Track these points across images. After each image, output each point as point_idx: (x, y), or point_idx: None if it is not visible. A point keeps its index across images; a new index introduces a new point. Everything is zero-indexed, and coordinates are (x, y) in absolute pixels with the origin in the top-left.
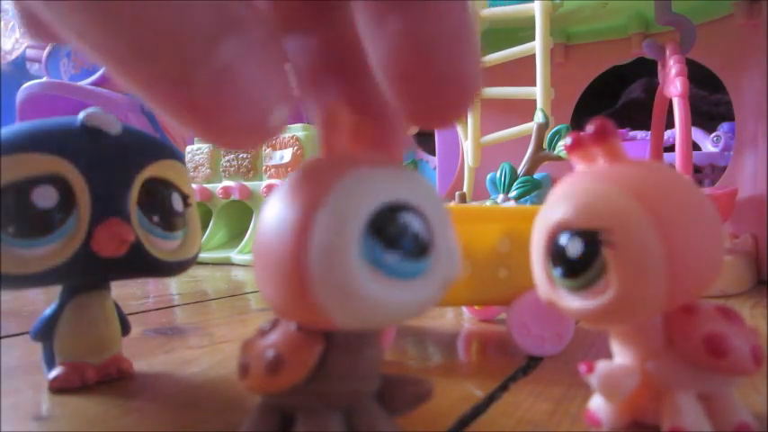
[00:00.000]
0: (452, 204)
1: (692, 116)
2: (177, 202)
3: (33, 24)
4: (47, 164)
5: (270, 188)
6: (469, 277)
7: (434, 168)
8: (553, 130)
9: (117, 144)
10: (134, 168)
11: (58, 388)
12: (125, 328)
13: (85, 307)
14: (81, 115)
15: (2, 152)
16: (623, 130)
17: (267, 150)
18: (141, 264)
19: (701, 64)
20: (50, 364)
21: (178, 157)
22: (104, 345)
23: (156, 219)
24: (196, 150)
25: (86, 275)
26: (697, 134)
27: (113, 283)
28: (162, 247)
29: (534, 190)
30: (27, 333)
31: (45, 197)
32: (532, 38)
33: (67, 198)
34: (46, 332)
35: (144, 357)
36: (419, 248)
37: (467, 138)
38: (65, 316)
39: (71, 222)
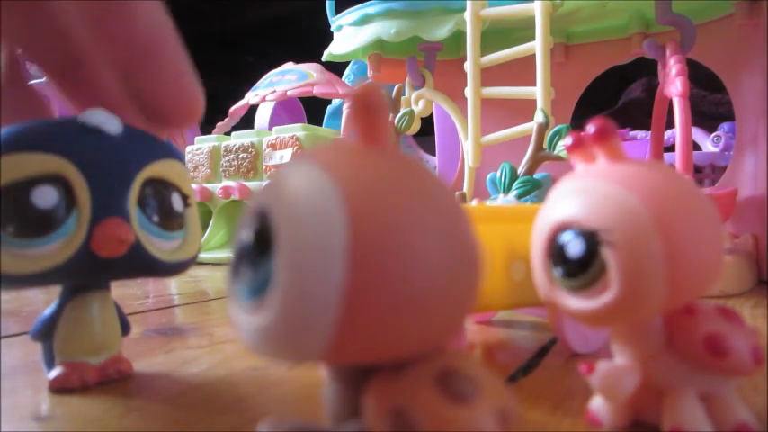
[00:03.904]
0: (509, 204)
1: (693, 116)
2: (177, 203)
3: None
4: (47, 163)
5: None
6: (524, 279)
7: (434, 168)
8: (553, 130)
9: (117, 144)
10: (134, 168)
11: (57, 388)
12: (125, 329)
13: (85, 307)
14: (81, 114)
15: (1, 152)
16: (623, 130)
17: (267, 150)
18: (141, 264)
19: (701, 64)
20: (50, 364)
21: (178, 156)
22: (104, 345)
23: (155, 219)
24: (196, 150)
25: (86, 275)
26: (697, 134)
27: (113, 283)
28: (161, 247)
29: (534, 190)
30: (27, 333)
31: (45, 197)
32: (532, 38)
33: (67, 198)
34: (46, 332)
35: (144, 357)
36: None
37: (467, 138)
38: (64, 316)
39: (71, 222)
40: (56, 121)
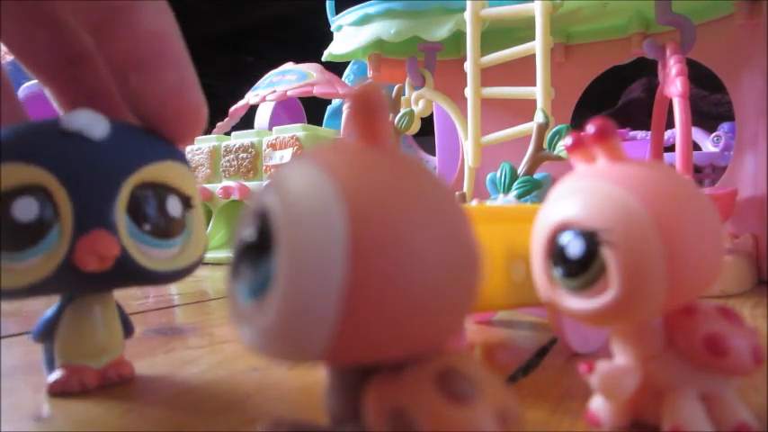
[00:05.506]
0: (509, 204)
1: (693, 116)
2: (174, 207)
3: None
4: (27, 174)
5: None
6: (524, 279)
7: (434, 168)
8: (553, 130)
9: (101, 149)
10: (121, 174)
11: (57, 392)
12: (128, 331)
13: (86, 309)
14: (61, 118)
15: None
16: (623, 130)
17: (267, 150)
18: (130, 275)
19: (701, 64)
20: (51, 366)
21: (178, 156)
22: (105, 348)
23: (147, 227)
24: (196, 150)
25: (71, 289)
26: (697, 134)
27: None
28: (156, 255)
29: (534, 190)
30: (27, 333)
31: (26, 210)
32: (532, 38)
33: (49, 210)
34: (47, 333)
35: (144, 358)
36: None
37: (467, 138)
38: (65, 318)
39: (53, 235)
40: (35, 126)
